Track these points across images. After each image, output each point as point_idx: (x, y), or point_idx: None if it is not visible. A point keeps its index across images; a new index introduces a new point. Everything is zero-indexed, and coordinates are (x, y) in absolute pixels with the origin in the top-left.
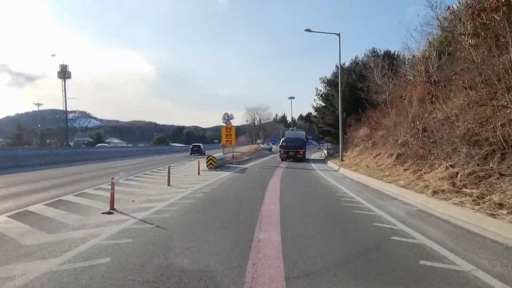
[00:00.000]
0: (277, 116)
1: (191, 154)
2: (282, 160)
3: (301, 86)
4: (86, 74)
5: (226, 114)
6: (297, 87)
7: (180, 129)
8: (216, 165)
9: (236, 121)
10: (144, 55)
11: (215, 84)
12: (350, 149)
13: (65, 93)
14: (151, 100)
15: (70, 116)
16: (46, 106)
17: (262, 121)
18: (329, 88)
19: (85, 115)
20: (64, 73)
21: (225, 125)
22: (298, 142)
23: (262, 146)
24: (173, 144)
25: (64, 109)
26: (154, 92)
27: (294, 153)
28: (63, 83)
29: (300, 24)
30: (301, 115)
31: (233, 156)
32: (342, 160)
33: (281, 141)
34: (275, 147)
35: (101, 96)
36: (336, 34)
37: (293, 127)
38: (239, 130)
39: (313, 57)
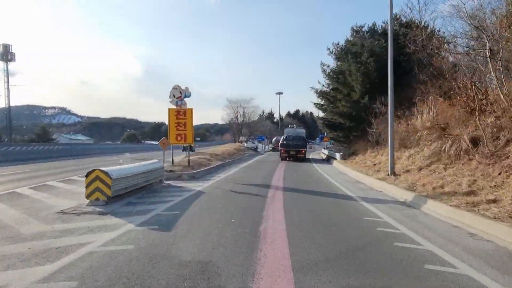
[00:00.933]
0: (263, 112)
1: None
2: (282, 159)
3: (289, 85)
4: (68, 70)
5: (176, 88)
6: (285, 86)
7: (159, 125)
8: (111, 194)
9: (220, 118)
10: (130, 51)
11: (201, 82)
12: (378, 151)
13: (8, 79)
14: (136, 97)
15: (49, 112)
16: (24, 101)
17: (246, 116)
18: (342, 60)
19: (65, 111)
20: (6, 55)
21: (175, 106)
22: (299, 140)
23: (245, 145)
24: (148, 141)
25: (6, 100)
26: (140, 88)
27: (295, 152)
28: (5, 66)
29: (289, 21)
30: (288, 112)
31: (188, 163)
32: (393, 174)
33: (281, 139)
34: (262, 146)
35: (84, 93)
36: None
37: (292, 125)
38: (223, 129)
39: (301, 56)
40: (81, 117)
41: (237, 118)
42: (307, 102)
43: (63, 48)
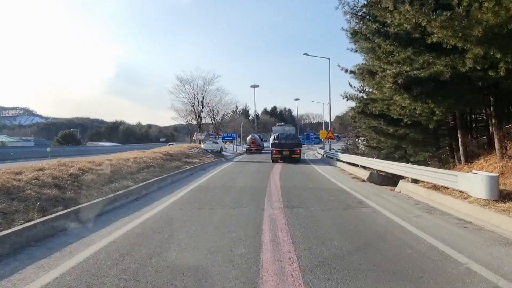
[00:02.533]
0: (237, 108)
1: None
2: (273, 161)
3: (265, 82)
4: (36, 70)
5: None
6: (260, 83)
7: (116, 125)
8: None
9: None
10: (103, 52)
11: (175, 82)
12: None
13: None
14: (108, 97)
15: (11, 113)
16: None
17: (211, 105)
18: None
19: (27, 112)
20: None
21: None
22: (293, 139)
23: (204, 145)
24: (95, 143)
25: None
26: (112, 89)
27: (289, 152)
28: None
29: (266, 18)
30: (265, 109)
31: None
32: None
33: (271, 138)
34: (233, 148)
35: (52, 93)
36: None
37: (281, 122)
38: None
39: (276, 53)
40: (46, 117)
41: (193, 107)
42: (284, 99)
43: (32, 48)
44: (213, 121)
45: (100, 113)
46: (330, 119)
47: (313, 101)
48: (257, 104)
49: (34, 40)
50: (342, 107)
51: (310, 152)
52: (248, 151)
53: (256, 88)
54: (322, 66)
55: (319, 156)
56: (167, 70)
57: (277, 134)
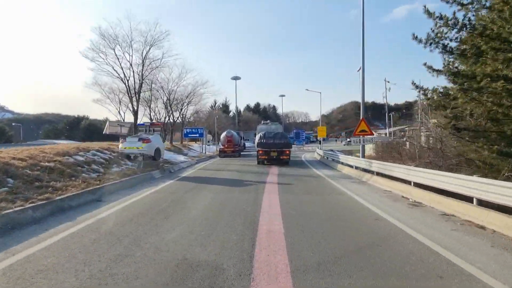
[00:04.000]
0: (216, 103)
1: None
2: (259, 163)
3: (247, 78)
4: (6, 63)
5: None
6: (244, 79)
7: (77, 120)
8: None
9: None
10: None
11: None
12: None
13: None
14: (86, 93)
15: None
16: None
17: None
18: None
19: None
20: None
21: None
22: (281, 138)
23: (122, 146)
24: (48, 140)
25: None
26: (89, 85)
27: (277, 153)
28: None
29: (246, 16)
30: (248, 105)
31: None
32: None
33: (257, 137)
34: (200, 150)
35: (27, 89)
36: None
37: (266, 120)
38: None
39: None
40: (19, 114)
41: (124, 81)
42: (268, 96)
43: (11, 45)
44: (181, 118)
45: (77, 109)
46: (363, 103)
47: (307, 89)
48: (240, 101)
49: (9, 36)
50: (329, 105)
51: (307, 154)
52: (222, 153)
53: (239, 84)
54: (311, 65)
55: (318, 157)
56: None
57: (263, 132)
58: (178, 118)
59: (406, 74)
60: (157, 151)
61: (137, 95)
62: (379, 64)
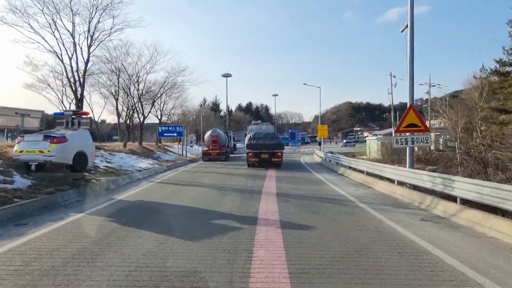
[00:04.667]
0: (205, 102)
1: None
2: (249, 165)
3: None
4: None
5: None
6: (237, 80)
7: None
8: None
9: None
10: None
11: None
12: None
13: None
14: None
15: None
16: None
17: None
18: None
19: None
20: None
21: None
22: (273, 139)
23: (18, 147)
24: None
25: None
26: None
27: (268, 155)
28: None
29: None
30: (239, 105)
31: None
32: None
33: (247, 138)
34: (177, 152)
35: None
36: None
37: (257, 120)
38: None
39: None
40: None
41: (60, 57)
42: (261, 96)
43: None
44: (159, 113)
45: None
46: (411, 78)
47: (305, 83)
48: (232, 100)
49: None
50: (322, 106)
51: (306, 157)
52: (206, 156)
53: (232, 83)
54: (304, 65)
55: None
56: None
57: (253, 133)
58: (150, 113)
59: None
60: (79, 157)
61: (81, 78)
62: (374, 65)
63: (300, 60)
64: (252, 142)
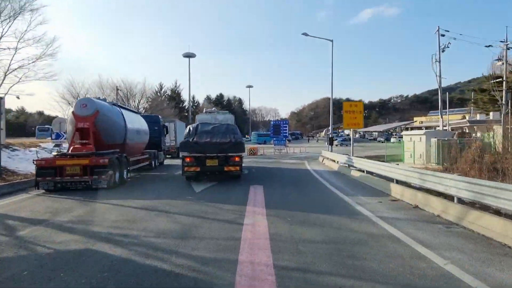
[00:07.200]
0: (162, 88)
1: None
2: (187, 178)
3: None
4: None
5: None
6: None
7: None
8: None
9: None
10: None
11: (111, 72)
12: None
13: None
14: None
15: None
16: None
17: None
18: None
19: None
20: None
21: None
22: (225, 135)
23: None
24: None
25: None
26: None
27: (218, 160)
28: None
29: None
30: (208, 96)
31: None
32: None
33: (185, 133)
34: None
35: None
36: None
37: (212, 108)
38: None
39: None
40: None
41: None
42: (235, 88)
43: None
44: None
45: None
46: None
47: (305, 33)
48: (198, 91)
49: None
50: (299, 102)
51: (314, 164)
52: (48, 177)
53: (197, 72)
54: (280, 62)
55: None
56: (107, 61)
57: (194, 125)
58: None
59: (378, 72)
60: None
61: None
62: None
63: (277, 57)
64: (191, 139)
